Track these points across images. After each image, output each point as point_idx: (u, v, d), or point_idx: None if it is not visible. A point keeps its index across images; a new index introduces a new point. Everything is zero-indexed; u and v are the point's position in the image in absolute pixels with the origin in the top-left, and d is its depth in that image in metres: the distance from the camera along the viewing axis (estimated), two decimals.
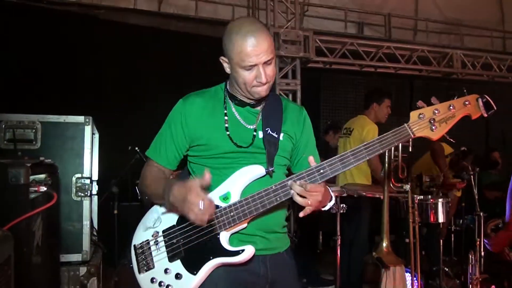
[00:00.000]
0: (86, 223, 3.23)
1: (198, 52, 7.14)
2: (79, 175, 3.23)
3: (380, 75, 8.93)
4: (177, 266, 2.05)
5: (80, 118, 3.26)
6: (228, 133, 2.11)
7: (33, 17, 6.80)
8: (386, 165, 4.15)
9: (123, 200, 5.51)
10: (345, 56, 8.12)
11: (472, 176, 5.16)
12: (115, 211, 5.42)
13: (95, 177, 3.63)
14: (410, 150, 4.30)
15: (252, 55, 1.99)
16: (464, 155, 5.72)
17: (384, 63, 8.47)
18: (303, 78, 7.41)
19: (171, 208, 2.06)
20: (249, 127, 2.16)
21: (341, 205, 4.33)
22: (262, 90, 2.08)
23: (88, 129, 3.26)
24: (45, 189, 2.15)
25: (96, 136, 3.72)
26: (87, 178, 3.24)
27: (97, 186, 3.64)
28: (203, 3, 8.11)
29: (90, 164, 3.29)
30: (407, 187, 4.20)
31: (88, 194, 3.24)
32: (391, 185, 4.18)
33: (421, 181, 5.32)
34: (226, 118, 2.14)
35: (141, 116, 6.61)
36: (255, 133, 2.15)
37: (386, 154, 4.16)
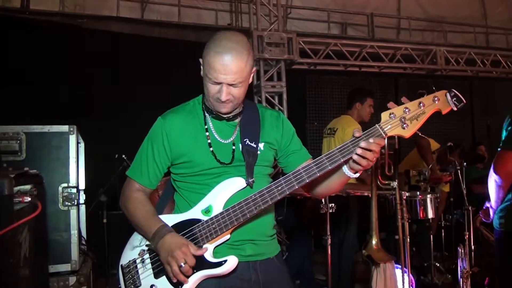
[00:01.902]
0: (74, 232, 3.20)
1: (182, 58, 7.14)
2: (65, 185, 3.19)
3: (365, 74, 8.98)
4: (163, 282, 2.05)
5: (65, 127, 3.22)
6: (211, 149, 2.10)
7: (16, 28, 6.76)
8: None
9: (112, 208, 5.49)
10: (329, 56, 8.14)
11: (459, 171, 5.18)
12: (105, 220, 5.41)
13: (82, 186, 3.61)
14: (397, 147, 4.32)
15: (218, 73, 1.96)
16: (450, 150, 5.77)
17: (368, 62, 8.49)
18: (288, 80, 7.42)
19: (154, 249, 2.07)
20: (227, 141, 2.15)
21: (330, 205, 4.33)
22: (221, 107, 2.06)
23: (72, 138, 3.23)
24: (29, 199, 2.13)
25: (82, 145, 3.70)
26: (73, 187, 3.20)
27: (84, 195, 3.62)
28: (186, 9, 8.13)
29: (76, 173, 3.25)
30: (395, 184, 4.21)
31: (75, 203, 3.20)
32: (379, 182, 4.19)
33: (409, 176, 5.36)
34: (207, 134, 2.13)
35: (126, 124, 6.58)
36: (234, 147, 2.14)
37: None
